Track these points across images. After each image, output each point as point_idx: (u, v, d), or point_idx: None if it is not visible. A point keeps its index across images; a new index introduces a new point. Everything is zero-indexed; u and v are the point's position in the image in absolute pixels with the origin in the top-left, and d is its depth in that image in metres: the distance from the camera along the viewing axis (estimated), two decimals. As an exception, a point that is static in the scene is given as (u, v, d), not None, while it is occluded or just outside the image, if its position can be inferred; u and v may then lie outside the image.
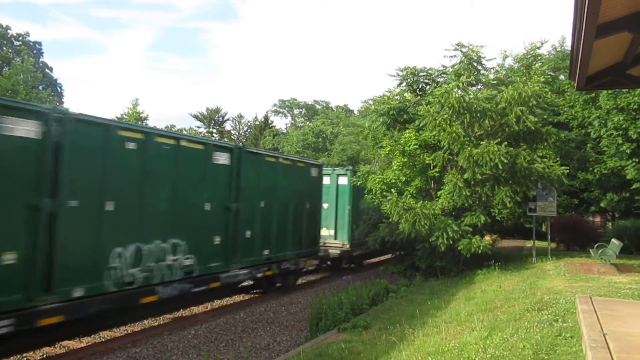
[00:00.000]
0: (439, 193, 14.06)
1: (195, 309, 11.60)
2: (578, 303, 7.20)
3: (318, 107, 55.12)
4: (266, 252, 12.53)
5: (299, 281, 15.14)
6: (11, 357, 7.94)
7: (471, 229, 13.14)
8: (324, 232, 16.70)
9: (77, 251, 7.71)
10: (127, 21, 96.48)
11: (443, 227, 12.61)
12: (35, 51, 46.76)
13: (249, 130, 58.46)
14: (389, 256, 20.21)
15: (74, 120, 7.65)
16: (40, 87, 41.32)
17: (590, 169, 20.65)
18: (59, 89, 47.87)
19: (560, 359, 5.20)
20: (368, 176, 15.25)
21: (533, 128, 13.38)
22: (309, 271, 16.60)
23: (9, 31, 46.07)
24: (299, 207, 14.08)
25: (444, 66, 17.01)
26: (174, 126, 54.00)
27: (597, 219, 30.28)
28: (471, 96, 13.73)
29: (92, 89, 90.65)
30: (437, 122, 13.52)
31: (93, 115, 8.15)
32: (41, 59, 47.30)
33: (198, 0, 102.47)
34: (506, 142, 12.75)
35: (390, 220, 13.43)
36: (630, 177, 18.14)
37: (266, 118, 54.98)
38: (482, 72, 16.07)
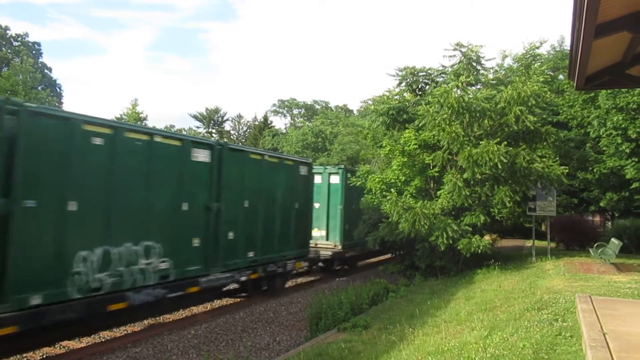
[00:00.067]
0: (438, 193, 14.07)
1: (195, 309, 11.60)
2: (578, 302, 7.21)
3: (317, 107, 55.11)
4: (251, 254, 11.96)
5: (288, 284, 14.72)
6: (11, 357, 7.94)
7: (471, 229, 13.15)
8: (315, 232, 16.28)
9: (35, 255, 7.16)
10: (126, 21, 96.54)
11: (443, 226, 12.62)
12: (34, 52, 46.78)
13: (248, 131, 58.46)
14: (382, 257, 20.17)
15: (31, 113, 7.11)
16: (39, 88, 41.32)
17: (590, 168, 20.68)
18: (58, 90, 47.93)
19: (560, 358, 5.21)
20: (368, 176, 15.26)
21: (532, 128, 13.39)
22: (300, 273, 16.34)
23: (8, 32, 46.08)
24: (287, 207, 13.57)
25: (443, 66, 17.07)
26: (174, 126, 54.05)
27: (597, 219, 30.27)
28: (470, 96, 13.75)
29: (91, 89, 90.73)
30: (437, 122, 13.54)
31: (53, 108, 7.60)
32: (40, 60, 47.32)
33: (198, 1, 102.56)
34: (505, 142, 12.76)
35: (390, 220, 13.44)
36: (630, 177, 18.16)
37: (265, 118, 55.02)
38: (482, 72, 16.12)
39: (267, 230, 12.62)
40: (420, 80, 17.10)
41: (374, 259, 20.47)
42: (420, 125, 14.37)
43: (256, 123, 55.78)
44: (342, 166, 18.47)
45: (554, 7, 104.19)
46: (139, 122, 35.85)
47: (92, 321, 8.89)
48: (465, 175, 12.97)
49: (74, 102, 75.16)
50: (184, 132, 48.15)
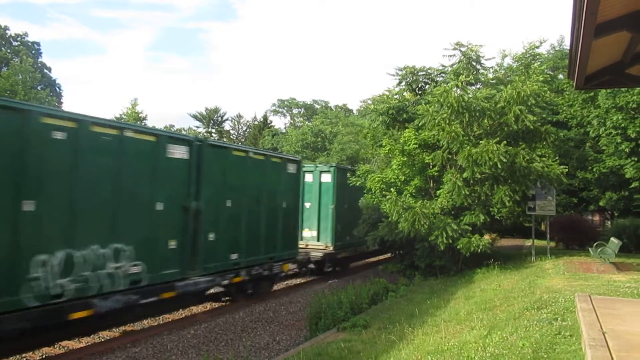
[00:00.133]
0: (438, 192, 14.08)
1: (195, 309, 11.61)
2: (577, 302, 7.21)
3: (317, 106, 55.11)
4: (234, 256, 11.31)
5: (281, 285, 14.45)
6: (11, 357, 7.94)
7: (470, 228, 13.16)
8: (306, 233, 15.87)
9: None
10: (126, 21, 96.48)
11: (442, 226, 12.63)
12: (33, 51, 46.72)
13: (248, 130, 58.50)
14: (376, 258, 20.03)
15: None
16: (39, 88, 41.29)
17: (589, 167, 20.70)
18: (57, 89, 47.90)
19: (560, 357, 5.21)
20: (367, 175, 15.26)
21: (532, 127, 13.40)
22: (296, 274, 16.16)
23: (7, 31, 46.01)
24: (274, 207, 12.90)
25: (443, 65, 17.07)
26: (173, 126, 54.11)
27: (596, 218, 30.28)
28: (470, 95, 13.76)
29: (91, 89, 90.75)
30: (436, 121, 13.55)
31: (4, 98, 7.05)
32: (40, 59, 47.28)
33: (198, 1, 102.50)
34: (505, 142, 12.78)
35: (389, 219, 13.43)
36: (629, 176, 18.18)
37: (265, 118, 55.03)
38: (481, 71, 16.13)
39: (252, 231, 12.00)
40: (420, 79, 17.11)
41: (367, 260, 20.07)
42: (420, 124, 14.39)
43: (256, 123, 55.82)
44: (334, 164, 18.08)
45: (554, 7, 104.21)
46: (138, 122, 35.83)
47: (54, 330, 8.34)
48: (464, 175, 12.98)
49: (74, 102, 75.27)
50: (183, 132, 48.09)
